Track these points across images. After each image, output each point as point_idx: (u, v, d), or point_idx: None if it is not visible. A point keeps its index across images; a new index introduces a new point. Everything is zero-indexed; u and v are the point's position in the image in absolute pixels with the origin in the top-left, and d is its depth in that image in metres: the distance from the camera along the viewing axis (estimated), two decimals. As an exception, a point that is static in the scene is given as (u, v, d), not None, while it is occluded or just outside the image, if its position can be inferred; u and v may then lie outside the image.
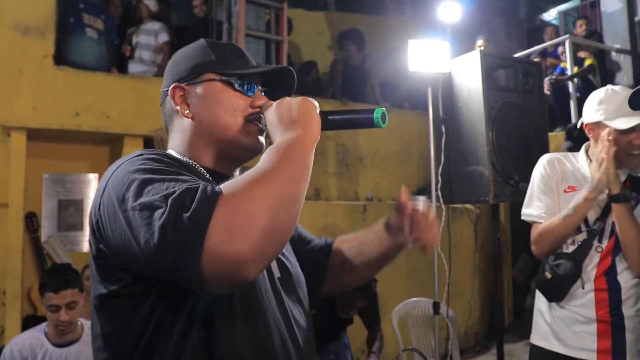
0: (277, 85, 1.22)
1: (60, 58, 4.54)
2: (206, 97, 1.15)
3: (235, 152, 1.15)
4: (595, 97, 2.24)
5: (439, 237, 1.29)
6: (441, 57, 3.32)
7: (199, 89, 1.15)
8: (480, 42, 6.06)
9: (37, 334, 2.60)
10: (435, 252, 3.49)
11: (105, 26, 4.91)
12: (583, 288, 2.20)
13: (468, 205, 5.59)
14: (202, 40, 1.22)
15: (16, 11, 4.36)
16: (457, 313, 4.57)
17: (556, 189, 2.26)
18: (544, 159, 2.32)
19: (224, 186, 0.86)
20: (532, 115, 3.09)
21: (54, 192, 4.58)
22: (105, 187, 0.97)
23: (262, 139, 1.17)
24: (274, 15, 5.33)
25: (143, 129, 4.54)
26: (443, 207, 3.35)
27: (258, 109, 1.15)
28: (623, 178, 2.21)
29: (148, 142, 4.58)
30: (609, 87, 2.24)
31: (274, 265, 1.17)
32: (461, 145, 3.17)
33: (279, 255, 1.20)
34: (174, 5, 6.12)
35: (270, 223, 0.83)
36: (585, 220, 2.24)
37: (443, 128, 3.28)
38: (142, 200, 0.88)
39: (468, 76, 3.15)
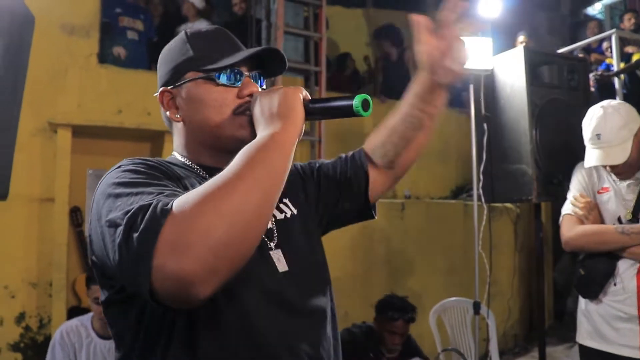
0: (269, 66, 1.17)
1: (104, 57, 4.65)
2: (191, 99, 1.11)
3: (231, 146, 1.07)
4: (585, 118, 2.40)
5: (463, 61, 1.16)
6: (483, 53, 3.26)
7: (183, 91, 1.12)
8: (521, 38, 5.94)
9: (84, 323, 2.71)
10: (476, 251, 3.44)
11: (144, 26, 5.01)
12: (615, 285, 2.26)
13: (508, 204, 5.48)
14: (182, 34, 1.18)
15: (62, 11, 4.48)
16: (495, 314, 4.50)
17: (592, 191, 2.39)
18: (580, 164, 2.46)
19: (177, 201, 0.82)
20: (578, 112, 2.99)
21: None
22: (93, 201, 0.99)
23: None
24: (312, 12, 5.33)
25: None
26: (484, 206, 3.30)
27: (246, 99, 1.10)
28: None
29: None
30: (597, 106, 2.36)
31: (279, 257, 1.12)
32: (503, 143, 3.11)
33: (286, 246, 1.14)
34: (213, 3, 6.18)
35: (221, 238, 0.78)
36: (619, 219, 2.32)
37: (485, 126, 3.22)
38: (110, 216, 0.88)
39: (511, 73, 3.09)
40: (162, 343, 0.98)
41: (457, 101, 5.91)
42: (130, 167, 0.99)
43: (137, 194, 0.89)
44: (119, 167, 1.01)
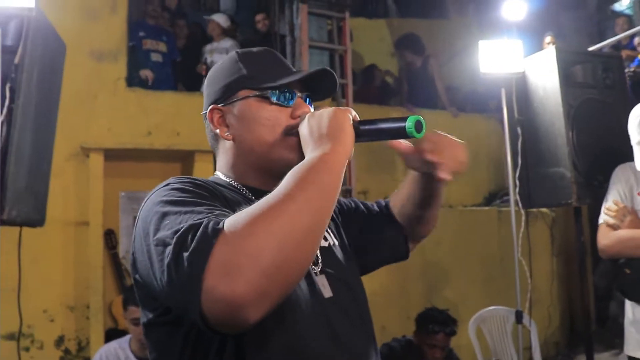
0: (318, 88, 1.16)
1: (131, 80, 4.73)
2: (243, 117, 1.10)
3: (280, 169, 1.03)
4: (632, 118, 2.28)
5: (464, 158, 1.18)
6: (513, 56, 3.20)
7: (235, 109, 1.11)
8: (548, 39, 5.84)
9: (122, 345, 2.72)
10: (515, 258, 3.36)
11: (168, 47, 5.08)
12: None
13: (543, 209, 5.37)
14: (233, 54, 1.17)
15: (91, 38, 4.57)
16: (536, 321, 4.38)
17: (630, 194, 2.34)
18: (618, 168, 2.43)
19: (228, 221, 0.80)
20: (615, 111, 2.92)
21: (130, 209, 4.74)
22: (137, 219, 0.97)
23: None
24: (336, 25, 5.33)
25: (212, 145, 4.64)
26: (522, 211, 3.22)
27: (299, 120, 1.08)
28: None
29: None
30: None
31: (324, 283, 1.10)
32: (539, 147, 3.03)
33: (331, 272, 1.12)
34: (237, 22, 6.25)
35: (274, 261, 0.77)
36: None
37: (519, 130, 3.14)
38: (159, 235, 0.86)
39: (543, 74, 3.02)
40: None
41: (484, 107, 5.84)
42: (178, 185, 0.98)
43: (186, 212, 0.87)
44: (167, 185, 0.99)
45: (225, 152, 1.15)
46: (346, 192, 5.08)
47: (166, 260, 0.81)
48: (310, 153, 0.96)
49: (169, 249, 0.82)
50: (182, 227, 0.82)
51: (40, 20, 2.13)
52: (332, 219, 1.28)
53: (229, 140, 1.12)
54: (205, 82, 1.20)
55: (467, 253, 5.06)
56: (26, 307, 4.11)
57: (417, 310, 4.04)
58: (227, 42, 5.26)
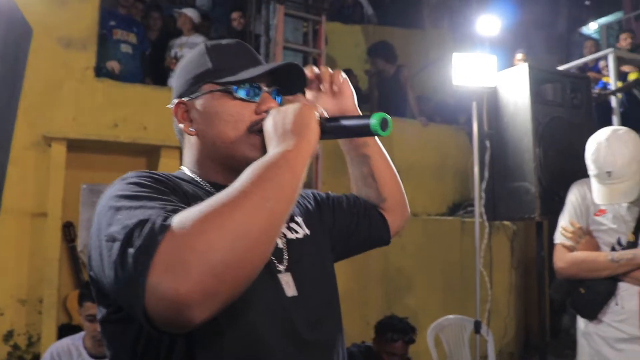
0: (288, 83, 1.13)
1: (100, 70, 4.61)
2: (206, 112, 1.07)
3: (242, 166, 0.96)
4: (588, 149, 2.35)
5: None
6: (486, 70, 3.25)
7: (199, 103, 1.08)
8: (520, 55, 5.96)
9: (76, 342, 2.63)
10: (477, 269, 3.40)
11: (138, 39, 4.98)
12: (617, 304, 2.24)
13: (505, 222, 5.46)
14: (202, 46, 1.14)
15: (60, 24, 4.44)
16: (492, 332, 4.45)
17: (586, 213, 2.36)
18: (574, 186, 2.47)
19: (178, 217, 0.77)
20: (580, 131, 2.98)
21: (91, 202, 4.62)
22: (94, 214, 0.93)
23: None
24: (312, 28, 5.32)
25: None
26: (486, 224, 3.26)
27: (264, 115, 1.05)
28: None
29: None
30: (600, 137, 2.31)
31: (288, 281, 1.06)
32: (506, 161, 3.08)
33: (297, 270, 1.09)
34: (211, 19, 6.17)
35: (223, 260, 0.73)
36: (618, 241, 2.30)
37: (487, 143, 3.19)
38: (109, 230, 0.83)
39: (515, 90, 3.07)
40: None
41: (454, 119, 5.91)
42: (135, 179, 0.94)
43: (138, 207, 0.84)
44: (124, 179, 0.95)
45: (190, 147, 1.12)
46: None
47: (113, 257, 0.79)
48: (273, 149, 0.93)
49: (117, 244, 0.79)
50: (131, 223, 0.79)
51: (5, 1, 2.05)
52: (306, 209, 1.25)
53: (192, 135, 1.09)
54: (174, 74, 1.17)
55: (429, 262, 5.10)
56: (-25, 299, 3.99)
57: (376, 316, 4.05)
58: (198, 38, 5.17)
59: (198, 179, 1.09)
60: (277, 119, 0.98)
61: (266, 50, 4.98)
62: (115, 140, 4.43)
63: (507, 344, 5.42)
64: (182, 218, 0.76)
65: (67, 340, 2.67)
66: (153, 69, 5.18)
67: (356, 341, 3.71)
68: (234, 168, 1.05)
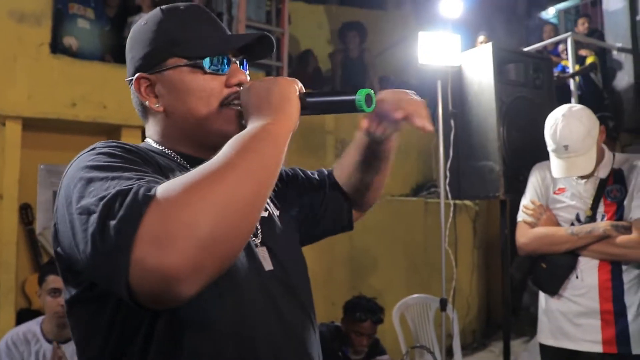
0: (253, 50, 1.09)
1: (55, 47, 4.44)
2: (175, 88, 1.01)
3: (216, 141, 0.97)
4: (547, 125, 2.41)
5: (426, 111, 1.13)
6: (451, 50, 3.27)
7: (165, 78, 1.02)
8: (481, 38, 6.03)
9: (33, 328, 2.51)
10: (442, 248, 3.45)
11: (95, 14, 4.81)
12: (577, 277, 2.32)
13: (467, 202, 5.55)
14: (157, 11, 1.06)
15: (11, -3, 4.25)
16: (456, 310, 4.55)
17: (546, 192, 2.46)
18: (535, 168, 2.56)
19: (162, 187, 0.74)
20: (543, 110, 3.03)
21: (50, 183, 4.47)
22: (60, 187, 0.89)
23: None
24: (275, 7, 5.26)
25: (140, 120, 4.45)
26: (451, 202, 3.30)
27: (235, 88, 1.02)
28: (606, 173, 2.35)
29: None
30: (557, 114, 2.37)
31: (264, 255, 1.05)
32: (470, 140, 3.12)
33: (271, 245, 1.08)
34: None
35: (211, 232, 0.71)
36: (577, 217, 2.38)
37: (452, 122, 3.22)
38: (82, 202, 0.79)
39: (479, 70, 3.10)
40: (139, 345, 0.88)
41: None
42: (106, 149, 0.90)
43: (113, 178, 0.79)
44: (93, 149, 0.91)
45: (155, 123, 1.07)
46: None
47: (90, 229, 0.75)
48: (253, 122, 0.90)
49: (94, 217, 0.75)
50: (109, 194, 0.75)
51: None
52: (275, 188, 1.23)
53: (159, 111, 1.04)
54: (128, 43, 1.09)
55: (394, 242, 5.15)
56: None
57: (342, 297, 4.07)
58: None
59: (167, 151, 1.05)
60: (256, 92, 0.95)
61: (229, 28, 4.88)
62: (74, 119, 4.28)
63: (470, 321, 5.55)
64: (166, 189, 0.73)
65: (22, 328, 2.53)
66: (112, 46, 5.02)
67: (323, 321, 3.73)
68: (206, 142, 1.03)
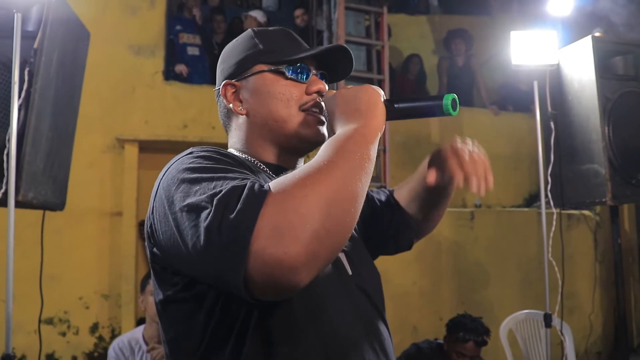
0: (334, 68, 1.15)
1: (169, 73, 4.81)
2: (257, 91, 1.09)
3: (295, 145, 1.09)
4: None
5: (490, 177, 1.13)
6: (548, 47, 3.05)
7: (249, 83, 1.10)
8: (597, 35, 5.60)
9: (136, 335, 2.70)
10: (545, 259, 3.21)
11: (203, 39, 5.14)
12: None
13: (586, 212, 5.14)
14: (249, 31, 1.16)
15: (130, 33, 4.68)
16: (575, 329, 4.19)
17: None
18: None
19: (274, 183, 0.79)
20: (658, 106, 2.75)
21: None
22: (157, 189, 0.93)
23: (323, 129, 1.09)
24: (374, 20, 5.27)
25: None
26: (554, 210, 3.06)
27: (314, 96, 1.09)
28: None
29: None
30: None
31: (345, 261, 1.08)
32: (573, 143, 2.88)
33: (349, 251, 1.10)
34: (276, 18, 6.27)
35: (324, 223, 0.75)
36: None
37: (552, 124, 2.99)
38: (189, 201, 0.83)
39: (579, 66, 2.87)
40: (231, 345, 0.91)
41: (526, 106, 5.65)
42: (203, 154, 0.94)
43: (219, 178, 0.84)
44: (190, 153, 0.96)
45: (238, 128, 1.13)
46: (380, 189, 5.00)
47: (204, 224, 0.78)
48: (343, 127, 0.94)
49: (207, 212, 0.78)
50: (222, 190, 0.80)
51: (61, 7, 2.17)
52: None
53: (242, 114, 1.10)
54: (220, 59, 1.18)
55: (505, 255, 4.89)
56: (64, 294, 4.26)
57: (450, 312, 3.92)
58: None
59: (251, 159, 1.10)
60: (343, 98, 0.99)
61: (329, 44, 4.98)
62: (184, 140, 4.59)
63: (594, 342, 5.09)
64: (279, 184, 0.79)
65: (126, 335, 2.73)
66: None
67: (428, 337, 3.61)
68: (286, 146, 1.09)
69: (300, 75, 1.09)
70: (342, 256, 1.08)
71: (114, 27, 4.61)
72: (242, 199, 0.77)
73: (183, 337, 0.96)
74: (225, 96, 1.12)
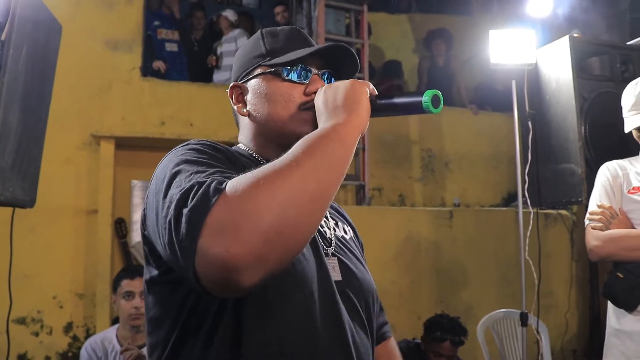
0: (339, 67, 1.15)
1: (146, 70, 4.74)
2: (257, 93, 1.12)
3: (293, 142, 1.05)
4: (627, 91, 2.19)
5: None
6: (526, 47, 3.06)
7: (251, 86, 1.13)
8: (575, 35, 5.65)
9: (109, 334, 2.66)
10: (522, 258, 3.23)
11: (181, 36, 5.11)
12: None
13: (563, 211, 5.19)
14: (258, 32, 1.19)
15: (107, 28, 4.61)
16: (551, 327, 4.22)
17: (619, 192, 2.14)
18: (603, 166, 2.26)
19: (232, 181, 0.79)
20: (632, 106, 2.77)
21: (142, 198, 4.74)
22: (153, 176, 0.97)
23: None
24: (354, 19, 5.26)
25: (225, 136, 4.60)
26: (531, 210, 3.07)
27: (313, 96, 1.07)
28: None
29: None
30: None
31: (334, 265, 1.09)
32: (550, 142, 2.90)
33: (343, 257, 1.12)
34: (256, 15, 6.23)
35: (273, 224, 0.74)
36: None
37: (529, 124, 3.01)
38: (169, 191, 0.85)
39: (556, 66, 2.88)
40: (203, 335, 0.94)
41: (506, 106, 5.69)
42: (197, 146, 0.98)
43: (197, 172, 0.86)
44: (187, 144, 1.00)
45: (244, 127, 1.17)
46: (359, 188, 4.99)
47: (168, 217, 0.81)
48: (324, 123, 0.95)
49: (173, 205, 0.81)
50: (188, 185, 0.81)
51: (31, 2, 2.11)
52: (354, 229, 1.30)
53: (245, 116, 1.14)
54: (234, 61, 1.23)
55: (483, 254, 4.91)
56: (37, 293, 4.18)
57: (428, 311, 3.93)
58: (234, 32, 5.32)
59: (254, 155, 1.14)
60: (329, 94, 1.00)
61: (307, 43, 4.96)
62: (161, 137, 4.53)
63: (569, 340, 5.14)
64: (235, 183, 0.78)
65: (99, 335, 2.69)
66: (197, 67, 5.28)
67: (407, 337, 3.61)
68: (286, 145, 1.09)
69: (300, 76, 1.10)
70: (334, 261, 1.09)
71: (89, 22, 4.53)
72: (197, 195, 0.78)
73: (162, 317, 1.00)
74: (231, 97, 1.17)
